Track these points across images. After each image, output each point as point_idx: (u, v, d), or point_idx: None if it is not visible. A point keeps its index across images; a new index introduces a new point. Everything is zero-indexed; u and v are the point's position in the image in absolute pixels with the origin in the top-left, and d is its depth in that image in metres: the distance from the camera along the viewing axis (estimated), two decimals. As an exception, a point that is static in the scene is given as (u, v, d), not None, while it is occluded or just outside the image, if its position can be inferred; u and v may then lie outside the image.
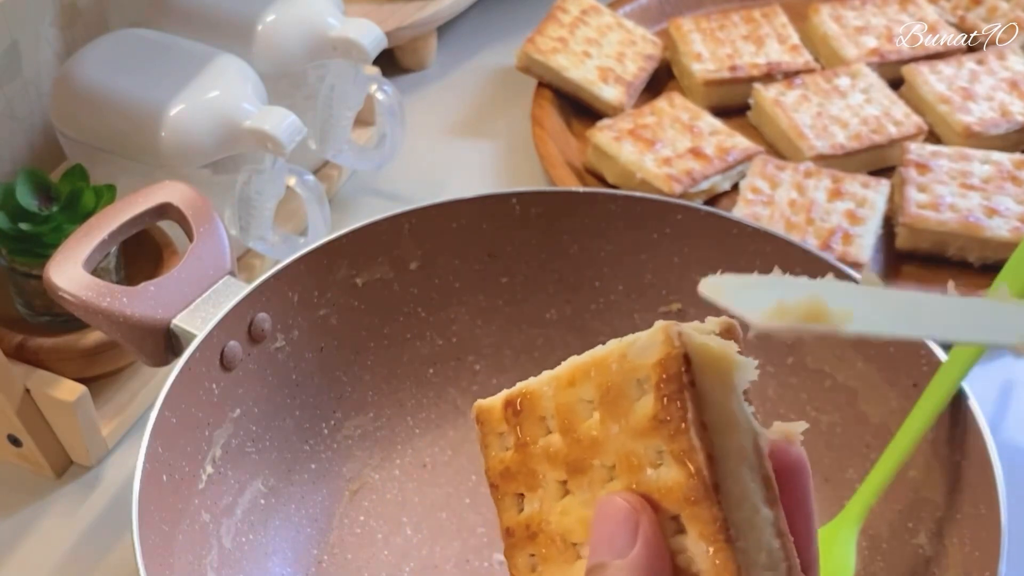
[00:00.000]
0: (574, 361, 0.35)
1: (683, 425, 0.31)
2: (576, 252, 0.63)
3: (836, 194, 0.73)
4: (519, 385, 0.36)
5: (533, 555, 0.36)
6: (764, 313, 0.26)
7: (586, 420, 0.34)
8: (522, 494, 0.36)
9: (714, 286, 0.29)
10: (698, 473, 0.31)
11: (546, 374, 0.35)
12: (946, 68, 0.83)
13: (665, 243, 0.62)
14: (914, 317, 0.28)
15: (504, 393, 0.37)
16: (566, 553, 0.35)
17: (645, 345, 0.32)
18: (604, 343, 0.35)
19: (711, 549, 0.31)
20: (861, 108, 0.81)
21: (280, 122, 0.64)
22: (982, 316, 0.28)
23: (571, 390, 0.34)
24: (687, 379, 0.31)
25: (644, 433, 0.32)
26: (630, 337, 0.33)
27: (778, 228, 0.71)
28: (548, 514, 0.35)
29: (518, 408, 0.36)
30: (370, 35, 0.71)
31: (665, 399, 0.31)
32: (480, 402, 0.37)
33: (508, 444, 0.36)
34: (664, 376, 0.31)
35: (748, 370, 0.33)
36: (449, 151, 0.85)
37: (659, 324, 0.32)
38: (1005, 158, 0.75)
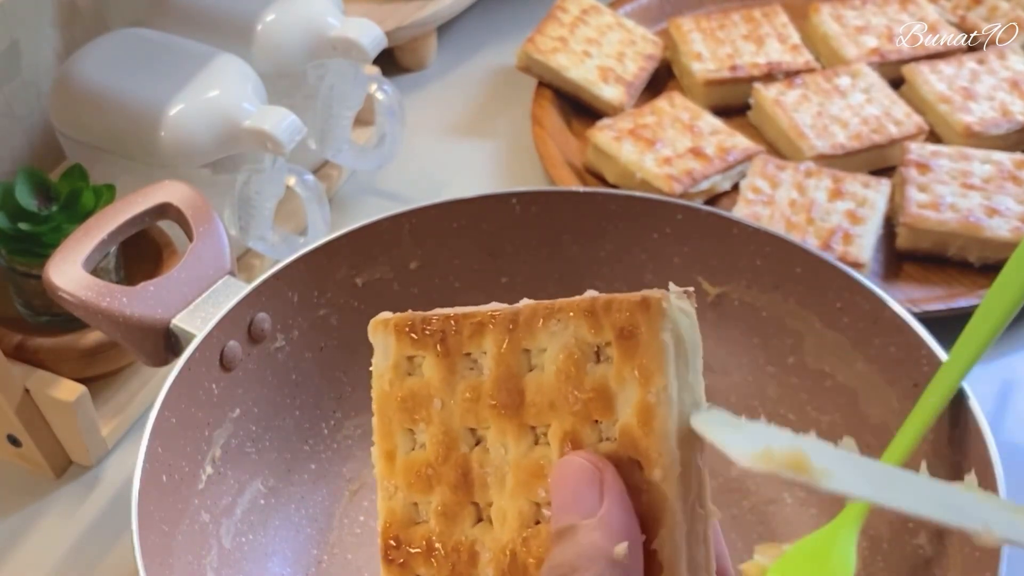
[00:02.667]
0: (529, 304, 0.35)
1: (661, 360, 0.32)
2: (576, 252, 0.63)
3: (836, 194, 0.73)
4: (447, 309, 0.36)
5: (418, 503, 0.35)
6: (752, 456, 0.28)
7: (528, 371, 0.34)
8: (411, 430, 0.36)
9: (704, 423, 0.31)
10: (661, 393, 0.32)
11: (482, 309, 0.35)
12: (947, 68, 0.83)
13: (665, 243, 0.62)
14: (889, 488, 0.30)
15: (423, 314, 0.36)
16: (468, 507, 0.35)
17: (624, 299, 0.33)
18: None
19: (658, 472, 0.32)
20: (862, 108, 0.81)
21: (280, 122, 0.64)
22: (951, 500, 0.30)
23: (517, 335, 0.34)
24: (668, 327, 0.32)
25: (605, 380, 0.32)
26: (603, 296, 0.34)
27: (778, 228, 0.71)
28: (455, 458, 0.35)
29: (451, 331, 0.35)
30: (370, 35, 0.71)
31: (644, 335, 0.32)
32: (387, 315, 0.36)
33: (418, 371, 0.36)
34: (649, 315, 0.32)
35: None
36: (449, 151, 0.85)
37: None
38: (1005, 158, 0.75)
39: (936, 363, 0.53)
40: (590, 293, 0.34)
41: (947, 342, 0.52)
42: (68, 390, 0.59)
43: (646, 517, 0.32)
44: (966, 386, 0.51)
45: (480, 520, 0.35)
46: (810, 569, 0.49)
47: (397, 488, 0.36)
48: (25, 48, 0.71)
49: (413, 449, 0.36)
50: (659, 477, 0.32)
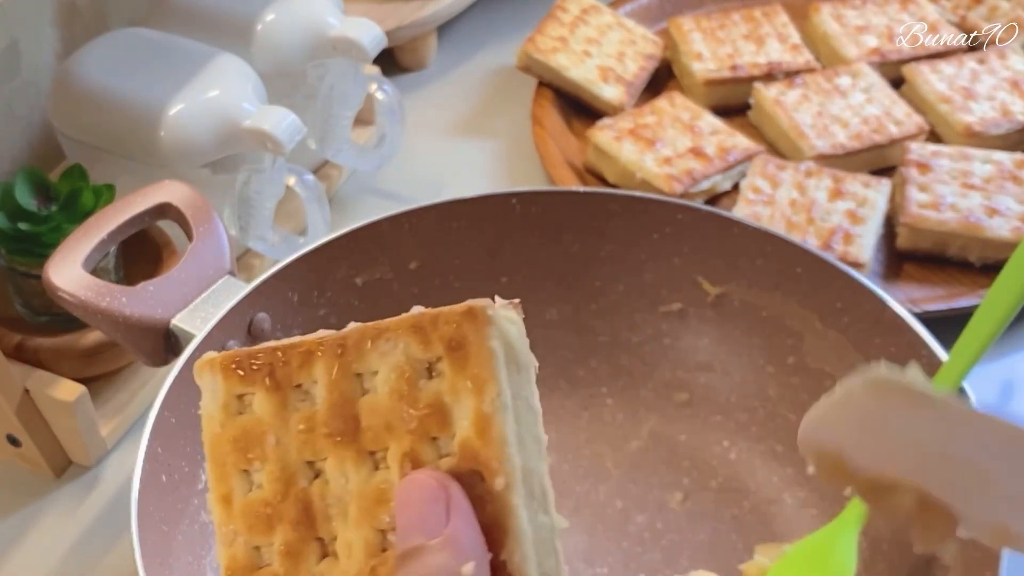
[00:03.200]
0: (357, 327, 0.34)
1: (492, 368, 0.32)
2: (576, 252, 0.63)
3: (837, 194, 0.73)
4: (274, 343, 0.35)
5: (260, 545, 0.34)
6: None
7: (362, 395, 0.34)
8: (247, 471, 0.34)
9: None
10: (495, 400, 0.32)
11: (309, 338, 0.34)
12: (947, 68, 0.83)
13: (665, 243, 0.62)
14: None
15: (248, 349, 0.35)
16: (312, 543, 0.34)
17: (450, 311, 0.33)
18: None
19: (500, 480, 0.31)
20: (862, 108, 0.80)
21: (280, 121, 0.64)
22: None
23: (346, 360, 0.34)
24: (495, 334, 0.32)
25: (437, 398, 0.32)
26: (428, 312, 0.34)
27: (779, 228, 0.71)
28: (295, 494, 0.34)
29: (279, 363, 0.34)
30: (370, 34, 0.71)
31: (473, 345, 0.32)
32: (212, 355, 0.35)
33: (248, 409, 0.35)
34: (475, 324, 0.32)
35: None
36: (449, 151, 0.85)
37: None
38: (1006, 158, 0.75)
39: (936, 363, 0.52)
40: (416, 309, 0.34)
41: (947, 342, 0.52)
42: (68, 390, 0.59)
43: (492, 528, 0.31)
44: (966, 386, 0.50)
45: (326, 555, 0.34)
46: (810, 569, 0.49)
47: (237, 533, 0.34)
48: (25, 48, 0.71)
49: (251, 490, 0.34)
50: (501, 485, 0.31)
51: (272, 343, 0.35)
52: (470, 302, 0.32)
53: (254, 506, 0.34)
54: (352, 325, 0.34)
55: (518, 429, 0.32)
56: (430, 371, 0.33)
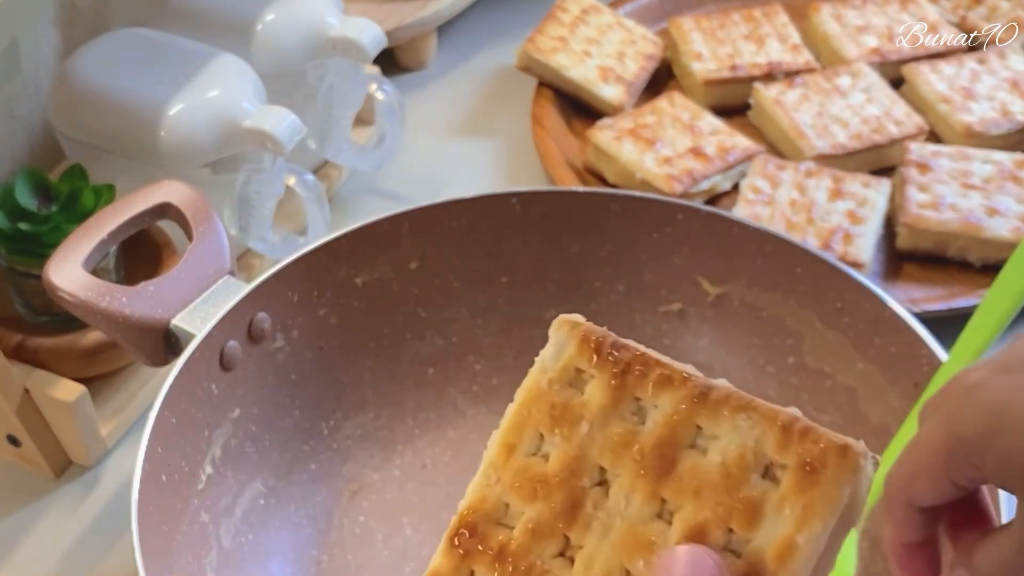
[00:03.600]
0: (726, 388, 0.34)
1: (830, 510, 0.31)
2: (576, 252, 0.63)
3: (837, 194, 0.73)
4: (635, 346, 0.35)
5: (511, 504, 0.34)
6: None
7: (690, 447, 0.33)
8: (543, 436, 0.34)
9: None
10: (811, 540, 0.31)
11: (678, 367, 0.35)
12: (947, 68, 0.83)
13: (665, 243, 0.62)
14: None
15: (615, 338, 0.35)
16: (559, 536, 0.33)
17: (824, 435, 0.33)
18: None
19: None
20: (862, 108, 0.80)
21: (280, 121, 0.64)
22: None
23: (698, 410, 0.34)
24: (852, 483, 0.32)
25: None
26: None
27: (779, 228, 0.71)
28: (573, 485, 0.34)
29: (636, 370, 0.34)
30: (370, 34, 0.71)
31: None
32: (579, 320, 0.35)
33: (582, 387, 0.35)
34: (842, 463, 0.32)
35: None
36: (449, 151, 0.85)
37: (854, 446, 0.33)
38: (1006, 158, 0.75)
39: (936, 363, 0.52)
40: (793, 410, 0.33)
41: (947, 342, 0.52)
42: (68, 390, 0.59)
43: None
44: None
45: (563, 555, 0.34)
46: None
47: (499, 481, 0.34)
48: (25, 48, 0.70)
49: (535, 454, 0.35)
50: None
51: (641, 348, 0.35)
52: (850, 441, 0.32)
53: (531, 471, 0.34)
54: (723, 382, 0.34)
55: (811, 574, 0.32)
56: (767, 471, 0.32)
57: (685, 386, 0.34)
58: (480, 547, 0.34)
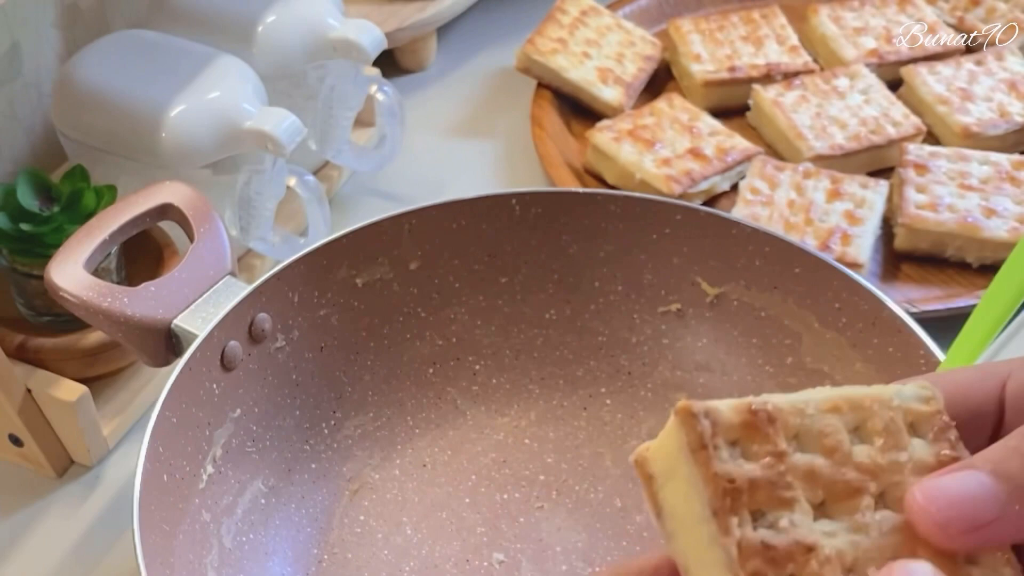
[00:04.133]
0: (826, 392, 0.33)
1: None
2: (576, 252, 0.63)
3: (835, 195, 0.73)
4: (752, 398, 0.33)
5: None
6: None
7: (852, 447, 0.33)
8: (762, 511, 0.32)
9: None
10: None
11: (788, 397, 0.33)
12: (945, 69, 0.83)
13: (664, 243, 0.62)
14: None
15: (739, 400, 0.33)
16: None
17: (911, 395, 0.33)
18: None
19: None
20: (860, 109, 0.81)
21: (280, 122, 0.64)
22: None
23: (834, 416, 0.33)
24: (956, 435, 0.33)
25: (927, 470, 0.32)
26: (892, 387, 0.33)
27: (777, 228, 0.71)
28: (803, 535, 0.31)
29: (771, 417, 0.32)
30: (370, 36, 0.71)
31: (950, 442, 0.32)
32: (697, 403, 0.32)
33: (750, 455, 0.32)
34: (947, 423, 0.32)
35: None
36: (449, 151, 0.85)
37: (923, 380, 0.33)
38: (1003, 159, 0.75)
39: (934, 363, 0.53)
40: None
41: (945, 342, 0.52)
42: (69, 390, 0.60)
43: None
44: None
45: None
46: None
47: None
48: (26, 49, 0.71)
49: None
50: None
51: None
52: None
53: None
54: None
55: None
56: None
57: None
58: (772, 434, 0.32)
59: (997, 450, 0.32)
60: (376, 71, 0.81)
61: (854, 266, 0.68)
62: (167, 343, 0.55)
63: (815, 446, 0.33)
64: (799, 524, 0.31)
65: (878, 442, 0.33)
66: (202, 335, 0.54)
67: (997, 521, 0.30)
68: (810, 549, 0.31)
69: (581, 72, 0.85)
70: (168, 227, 0.66)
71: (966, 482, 0.31)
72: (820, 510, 0.32)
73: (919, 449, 0.32)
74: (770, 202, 0.73)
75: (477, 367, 0.64)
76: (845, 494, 0.32)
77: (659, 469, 0.33)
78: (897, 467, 0.32)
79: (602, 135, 0.79)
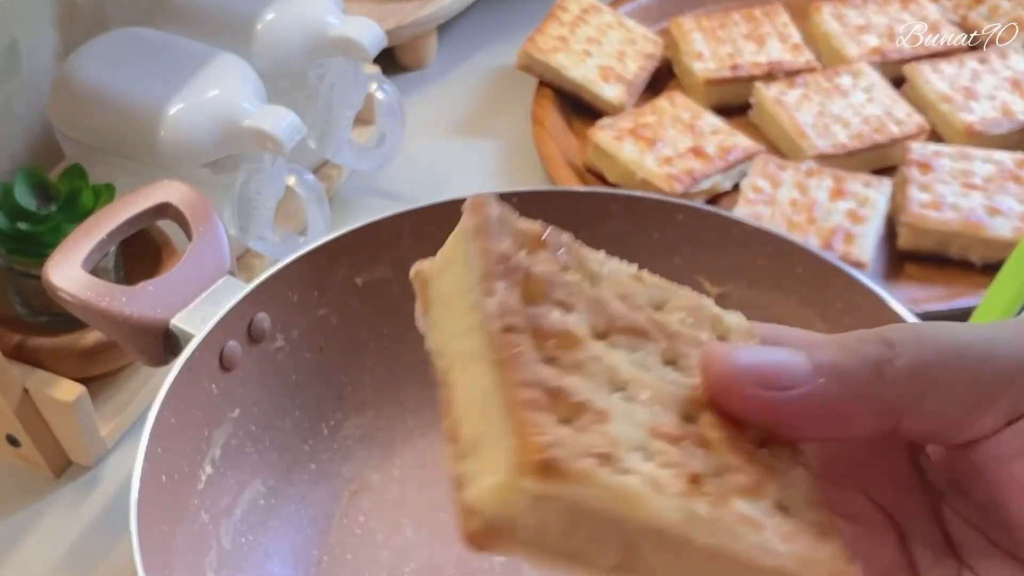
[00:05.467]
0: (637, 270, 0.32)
1: None
2: (577, 252, 0.63)
3: (838, 193, 0.73)
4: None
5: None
6: None
7: (650, 311, 0.31)
8: (535, 304, 0.29)
9: None
10: None
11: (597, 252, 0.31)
12: (948, 67, 0.83)
13: (666, 243, 0.62)
14: None
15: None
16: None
17: (731, 317, 0.33)
18: None
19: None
20: (863, 107, 0.80)
21: (280, 121, 0.64)
22: None
23: (636, 283, 0.31)
24: None
25: None
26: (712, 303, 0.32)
27: (779, 228, 0.71)
28: (573, 327, 0.29)
29: (567, 245, 0.31)
30: (370, 34, 0.71)
31: None
32: (488, 195, 0.30)
33: (535, 260, 0.29)
34: None
35: None
36: (449, 151, 0.85)
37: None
38: (1007, 157, 0.75)
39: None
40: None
41: (949, 342, 0.52)
42: (67, 390, 0.59)
43: None
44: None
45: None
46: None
47: None
48: (24, 47, 0.70)
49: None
50: None
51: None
52: None
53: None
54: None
55: None
56: None
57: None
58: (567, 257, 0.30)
59: (817, 335, 0.30)
60: (376, 69, 0.81)
61: (857, 265, 0.68)
62: (165, 343, 0.55)
63: (609, 290, 0.30)
64: (572, 322, 0.29)
65: (678, 315, 0.31)
66: (201, 335, 0.54)
67: (797, 393, 0.28)
68: (576, 340, 0.28)
69: (582, 70, 0.84)
70: (167, 226, 0.66)
71: (775, 350, 0.29)
72: (600, 336, 0.29)
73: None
74: (772, 201, 0.73)
75: (477, 367, 0.63)
76: (630, 331, 0.30)
77: (436, 268, 0.30)
78: (694, 341, 0.30)
79: (603, 134, 0.79)
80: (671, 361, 0.30)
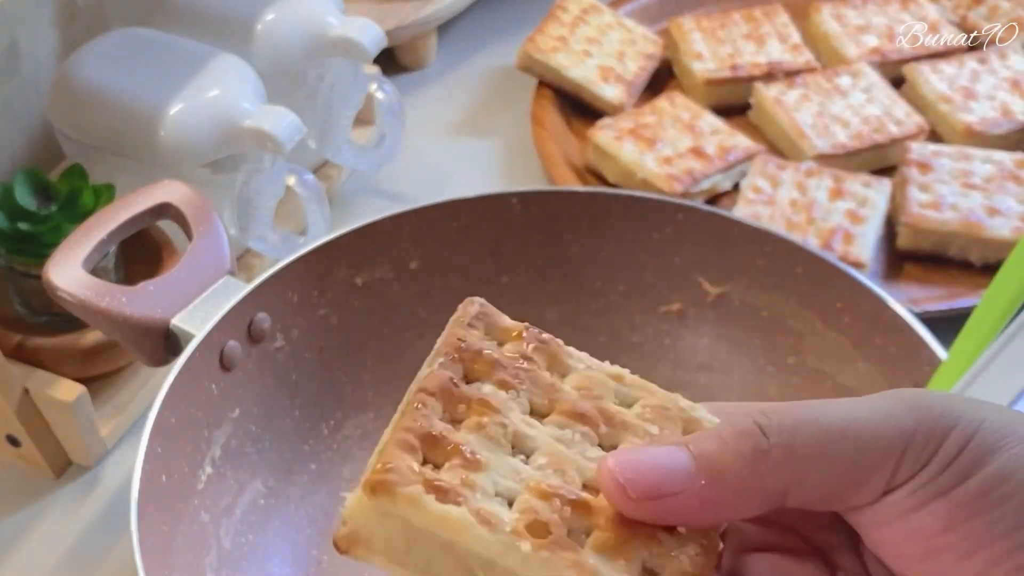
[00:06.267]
0: (621, 370, 0.35)
1: None
2: (576, 252, 0.63)
3: (837, 193, 0.73)
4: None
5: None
6: None
7: (610, 404, 0.34)
8: (479, 381, 0.34)
9: None
10: None
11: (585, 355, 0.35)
12: (947, 67, 0.83)
13: (666, 243, 0.62)
14: None
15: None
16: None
17: (703, 414, 0.35)
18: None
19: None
20: (862, 107, 0.80)
21: (280, 121, 0.64)
22: None
23: (614, 382, 0.35)
24: None
25: None
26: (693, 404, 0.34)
27: (779, 228, 0.71)
28: (493, 399, 0.33)
29: (543, 339, 0.35)
30: (370, 34, 0.71)
31: None
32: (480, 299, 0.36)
33: (502, 347, 0.35)
34: None
35: None
36: (449, 151, 0.85)
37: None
38: (1006, 157, 0.75)
39: (937, 363, 0.52)
40: None
41: (948, 342, 0.52)
42: (67, 390, 0.59)
43: None
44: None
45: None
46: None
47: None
48: (25, 47, 0.70)
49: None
50: None
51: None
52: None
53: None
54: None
55: None
56: None
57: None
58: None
59: (700, 433, 0.32)
60: (376, 69, 0.81)
61: (857, 265, 0.68)
62: (165, 343, 0.55)
63: (572, 382, 0.34)
64: (498, 397, 0.33)
65: (637, 409, 0.34)
66: (201, 335, 0.54)
67: (682, 494, 0.30)
68: (488, 407, 0.32)
69: (582, 70, 0.84)
70: (167, 226, 0.66)
71: (658, 452, 0.31)
72: (537, 414, 0.33)
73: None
74: (772, 201, 0.73)
75: (477, 367, 0.63)
76: (570, 414, 0.33)
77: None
78: (641, 432, 0.33)
79: (603, 134, 0.79)
80: (612, 446, 0.33)
